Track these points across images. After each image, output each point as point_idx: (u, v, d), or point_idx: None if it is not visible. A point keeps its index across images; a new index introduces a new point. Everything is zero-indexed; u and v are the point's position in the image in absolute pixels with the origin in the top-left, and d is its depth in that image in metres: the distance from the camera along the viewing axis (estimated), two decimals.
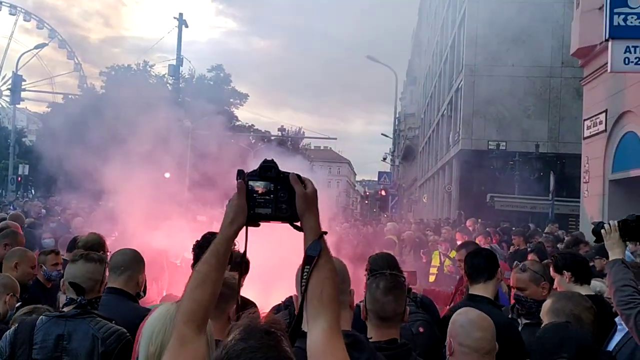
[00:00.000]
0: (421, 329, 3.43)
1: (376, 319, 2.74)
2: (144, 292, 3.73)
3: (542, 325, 2.88)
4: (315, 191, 1.70)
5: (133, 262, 3.61)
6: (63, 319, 2.92)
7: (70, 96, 37.87)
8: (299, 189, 1.68)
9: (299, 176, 1.71)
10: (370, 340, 2.62)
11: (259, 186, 1.69)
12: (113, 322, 2.97)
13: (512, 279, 4.03)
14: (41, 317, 2.96)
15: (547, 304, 3.09)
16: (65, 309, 3.01)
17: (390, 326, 2.73)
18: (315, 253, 1.67)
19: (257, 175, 1.70)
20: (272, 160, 1.72)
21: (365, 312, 2.79)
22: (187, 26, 30.00)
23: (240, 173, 1.71)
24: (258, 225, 1.72)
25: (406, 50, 66.51)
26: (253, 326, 1.38)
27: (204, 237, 3.59)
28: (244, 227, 1.71)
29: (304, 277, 1.67)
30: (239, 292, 2.10)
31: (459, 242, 9.07)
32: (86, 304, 2.99)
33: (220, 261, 1.66)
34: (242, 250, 1.81)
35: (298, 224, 1.72)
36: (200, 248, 3.49)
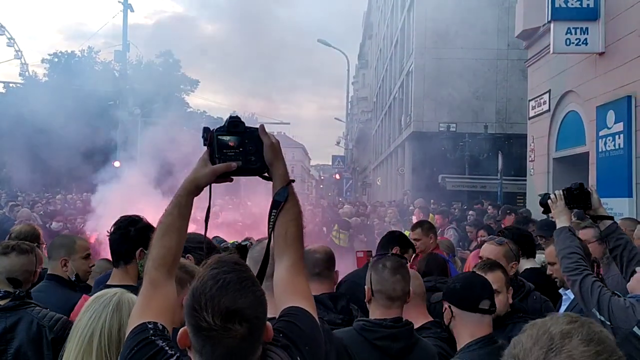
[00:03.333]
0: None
1: (385, 299, 2.71)
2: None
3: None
4: (279, 142, 1.80)
5: (72, 248, 3.56)
6: (2, 312, 2.84)
7: (11, 85, 36.21)
8: (267, 139, 1.77)
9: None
10: (375, 318, 2.71)
11: (228, 140, 1.74)
12: (47, 309, 2.94)
13: (489, 251, 3.81)
14: None
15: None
16: (0, 302, 2.92)
17: (398, 306, 2.72)
18: (282, 199, 1.76)
19: (225, 130, 1.75)
20: (238, 116, 1.77)
21: (371, 294, 2.73)
22: (132, 10, 29.05)
23: (206, 130, 1.74)
24: (231, 181, 1.78)
25: (357, 34, 66.61)
26: (223, 258, 1.51)
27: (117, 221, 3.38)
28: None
29: (271, 220, 1.76)
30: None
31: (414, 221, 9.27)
32: (24, 295, 2.92)
33: (182, 211, 1.73)
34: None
35: (266, 175, 1.80)
36: (112, 234, 3.30)
